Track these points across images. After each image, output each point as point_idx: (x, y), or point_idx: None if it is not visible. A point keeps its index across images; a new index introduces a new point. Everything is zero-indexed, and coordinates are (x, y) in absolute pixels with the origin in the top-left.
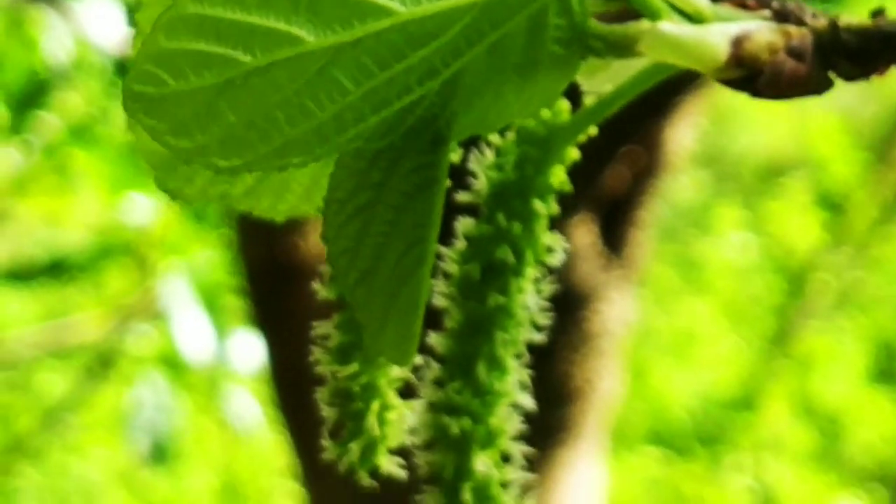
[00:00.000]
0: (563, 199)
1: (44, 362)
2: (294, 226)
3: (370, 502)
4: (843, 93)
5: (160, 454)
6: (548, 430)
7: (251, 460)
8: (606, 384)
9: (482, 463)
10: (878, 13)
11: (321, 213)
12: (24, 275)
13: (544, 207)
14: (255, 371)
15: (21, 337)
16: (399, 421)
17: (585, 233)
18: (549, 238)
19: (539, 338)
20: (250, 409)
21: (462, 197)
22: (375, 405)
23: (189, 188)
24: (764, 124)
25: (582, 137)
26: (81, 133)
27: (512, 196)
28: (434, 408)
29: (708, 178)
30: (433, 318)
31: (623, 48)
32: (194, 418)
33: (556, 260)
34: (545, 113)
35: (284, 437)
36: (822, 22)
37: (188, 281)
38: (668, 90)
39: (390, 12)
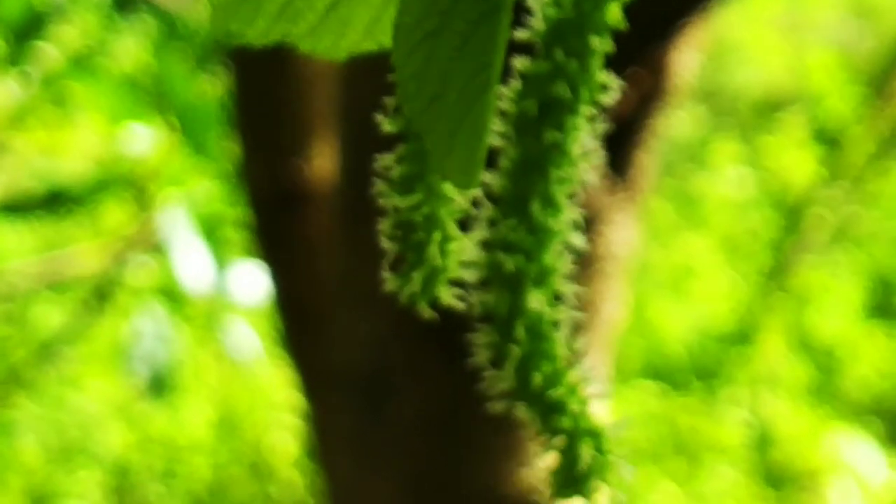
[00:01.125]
0: None
1: (41, 294)
2: (298, 149)
3: (371, 435)
4: (841, 27)
5: (159, 386)
6: None
7: (250, 393)
8: (610, 307)
9: (535, 301)
10: None
11: (387, 46)
12: (22, 207)
13: (601, 44)
14: (255, 303)
15: (19, 269)
16: (459, 252)
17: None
18: (604, 76)
19: (592, 178)
20: (250, 341)
21: (520, 34)
22: (437, 235)
23: (251, 30)
24: (761, 59)
25: None
26: (80, 64)
27: (569, 33)
28: (488, 246)
29: (705, 113)
30: (489, 158)
31: None
32: (193, 350)
33: (610, 99)
34: None
35: (285, 369)
36: None
37: (187, 212)
38: (672, 14)
39: None
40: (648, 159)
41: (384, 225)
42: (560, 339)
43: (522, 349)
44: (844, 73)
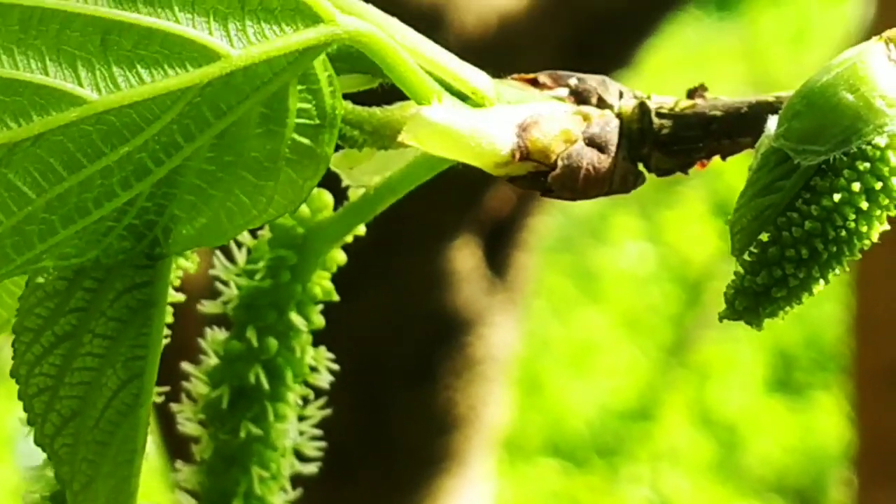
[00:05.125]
0: (446, 221)
1: None
2: None
3: None
4: None
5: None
6: (432, 458)
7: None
8: (491, 411)
9: None
10: (695, 90)
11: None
12: None
13: (304, 322)
14: None
15: None
16: None
17: (468, 256)
18: (313, 355)
19: (309, 469)
20: None
21: (209, 308)
22: None
23: None
24: None
25: (349, 238)
26: None
27: (265, 307)
28: None
29: None
30: (184, 449)
31: (385, 137)
32: None
33: (323, 381)
34: (303, 210)
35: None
36: (630, 103)
37: None
38: None
39: (80, 100)
40: (527, 259)
41: None
42: None
43: None
44: None
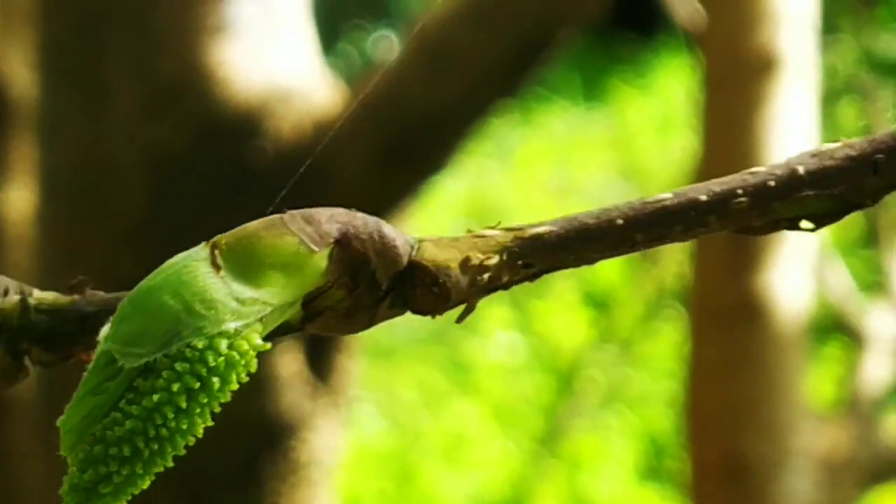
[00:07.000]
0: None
1: None
2: None
3: None
4: (608, 189)
5: None
6: None
7: None
8: None
9: None
10: (75, 286)
11: None
12: None
13: None
14: None
15: None
16: None
17: (291, 361)
18: None
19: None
20: None
21: None
22: None
23: None
24: (529, 222)
25: None
26: None
27: None
28: None
29: None
30: None
31: None
32: None
33: None
34: None
35: None
36: (13, 299)
37: None
38: (389, 198)
39: None
40: (350, 362)
41: None
42: None
43: None
44: None
